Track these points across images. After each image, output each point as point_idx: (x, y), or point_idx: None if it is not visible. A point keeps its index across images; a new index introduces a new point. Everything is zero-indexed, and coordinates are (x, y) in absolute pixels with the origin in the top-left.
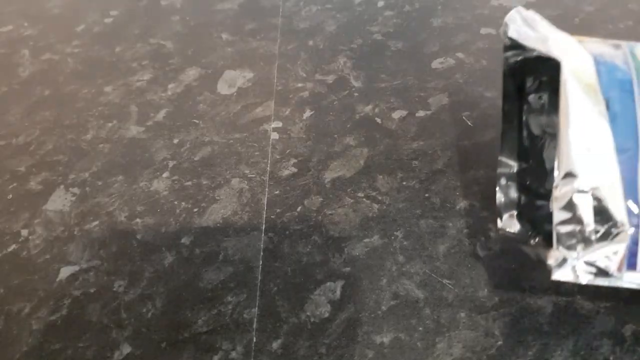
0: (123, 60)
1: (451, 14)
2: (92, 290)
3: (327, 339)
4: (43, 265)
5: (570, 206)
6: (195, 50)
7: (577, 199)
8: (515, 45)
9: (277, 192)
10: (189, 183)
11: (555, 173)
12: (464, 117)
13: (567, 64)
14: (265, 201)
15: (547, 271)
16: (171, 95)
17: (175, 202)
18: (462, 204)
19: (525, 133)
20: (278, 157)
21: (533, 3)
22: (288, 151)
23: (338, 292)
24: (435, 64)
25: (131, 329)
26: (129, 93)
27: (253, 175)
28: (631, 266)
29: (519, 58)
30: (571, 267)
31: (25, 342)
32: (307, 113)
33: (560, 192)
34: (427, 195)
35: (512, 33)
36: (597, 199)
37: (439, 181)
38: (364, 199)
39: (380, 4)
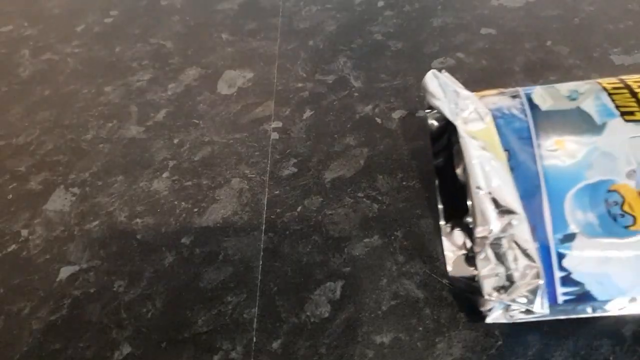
0: (123, 60)
1: (451, 14)
2: (92, 290)
3: (327, 339)
4: (43, 265)
5: (487, 255)
6: (195, 50)
7: (493, 247)
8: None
9: (277, 192)
10: (189, 183)
11: (471, 226)
12: None
13: (462, 127)
14: (265, 201)
15: None
16: (171, 95)
17: (175, 202)
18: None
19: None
20: (278, 157)
21: (533, 3)
22: (288, 151)
23: (338, 292)
24: (436, 64)
25: (131, 329)
26: (129, 93)
27: (253, 175)
28: (553, 302)
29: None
30: (501, 311)
31: (25, 342)
32: (307, 113)
33: (477, 242)
34: (427, 195)
35: (428, 98)
36: (511, 243)
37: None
38: (364, 199)
39: (380, 4)
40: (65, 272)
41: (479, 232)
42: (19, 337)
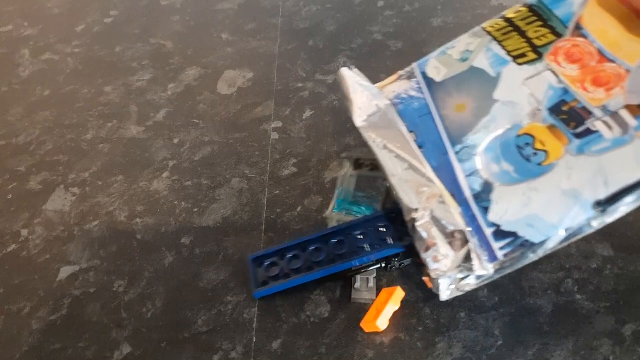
0: (123, 60)
1: (451, 14)
2: (92, 290)
3: (327, 339)
4: (43, 265)
5: (420, 235)
6: (195, 50)
7: (422, 227)
8: None
9: (277, 192)
10: (189, 183)
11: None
12: None
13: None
14: (265, 201)
15: (547, 272)
16: (171, 95)
17: (175, 202)
18: None
19: None
20: (278, 157)
21: None
22: (288, 151)
23: (338, 292)
24: None
25: (131, 329)
26: (129, 93)
27: (253, 175)
28: (493, 259)
29: None
30: (452, 285)
31: (25, 342)
32: (307, 113)
33: (410, 227)
34: None
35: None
36: (434, 217)
37: None
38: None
39: (380, 4)
40: (65, 272)
41: (406, 215)
42: (19, 337)
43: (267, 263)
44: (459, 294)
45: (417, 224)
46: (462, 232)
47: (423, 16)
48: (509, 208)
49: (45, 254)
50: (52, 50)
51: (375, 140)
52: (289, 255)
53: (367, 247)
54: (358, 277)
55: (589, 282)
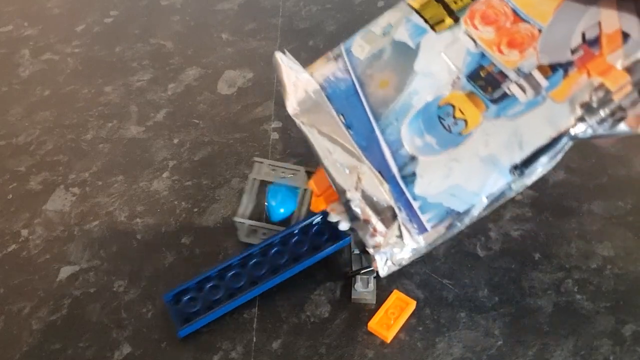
0: (123, 60)
1: None
2: (92, 290)
3: (327, 339)
4: (43, 265)
5: (355, 215)
6: (195, 50)
7: (355, 206)
8: None
9: None
10: (189, 183)
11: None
12: None
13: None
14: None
15: (547, 272)
16: (171, 95)
17: (175, 202)
18: None
19: None
20: (278, 157)
21: None
22: (288, 151)
23: (338, 292)
24: None
25: (131, 329)
26: (129, 93)
27: None
28: (422, 230)
29: None
30: (388, 261)
31: (25, 342)
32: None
33: (346, 209)
34: None
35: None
36: (365, 196)
37: None
38: None
39: (380, 4)
40: (65, 272)
41: (340, 197)
42: (19, 337)
43: (186, 298)
44: (396, 268)
45: (351, 204)
46: (391, 207)
47: None
48: (432, 180)
49: (45, 254)
50: (52, 50)
51: (306, 126)
52: (208, 286)
53: (285, 261)
54: (358, 277)
55: (589, 282)
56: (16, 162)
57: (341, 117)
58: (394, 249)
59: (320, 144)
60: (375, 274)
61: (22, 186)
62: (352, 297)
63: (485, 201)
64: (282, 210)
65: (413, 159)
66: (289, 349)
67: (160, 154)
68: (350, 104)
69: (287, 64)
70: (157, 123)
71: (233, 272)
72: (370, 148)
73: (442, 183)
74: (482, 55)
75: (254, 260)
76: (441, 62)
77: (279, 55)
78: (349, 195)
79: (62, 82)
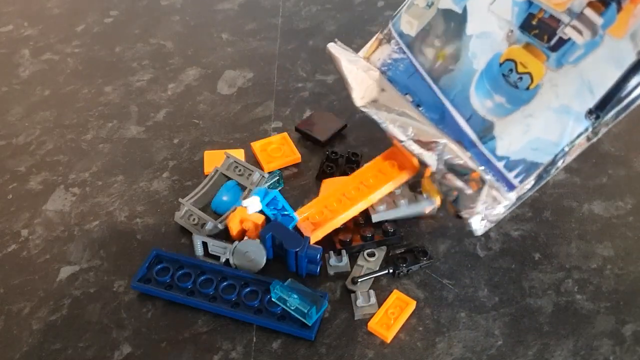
0: (123, 60)
1: None
2: (92, 290)
3: (327, 339)
4: (43, 265)
5: (446, 187)
6: (195, 50)
7: (443, 179)
8: None
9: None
10: (189, 183)
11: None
12: None
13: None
14: None
15: (547, 272)
16: (171, 95)
17: (175, 202)
18: None
19: None
20: None
21: None
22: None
23: (338, 292)
24: None
25: (131, 329)
26: (129, 93)
27: None
28: (512, 188)
29: None
30: (482, 221)
31: (25, 342)
32: (307, 113)
33: (435, 182)
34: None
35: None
36: (450, 167)
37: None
38: None
39: (380, 4)
40: (65, 272)
41: (427, 172)
42: (19, 337)
43: (162, 265)
44: (492, 225)
45: (438, 177)
46: (477, 173)
47: None
48: (512, 139)
49: (45, 254)
50: (52, 50)
51: (377, 114)
52: (183, 271)
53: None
54: (358, 292)
55: (589, 282)
56: (16, 162)
57: (408, 97)
58: (487, 210)
59: (395, 129)
60: (371, 284)
61: (22, 186)
62: (355, 315)
63: (567, 150)
64: (225, 198)
65: (487, 122)
66: (289, 349)
67: (160, 154)
68: (413, 83)
69: (344, 57)
70: (157, 123)
71: (208, 277)
72: (444, 120)
73: (522, 139)
74: (529, 3)
75: (227, 282)
76: (490, 19)
77: (332, 48)
78: (434, 170)
79: (62, 82)
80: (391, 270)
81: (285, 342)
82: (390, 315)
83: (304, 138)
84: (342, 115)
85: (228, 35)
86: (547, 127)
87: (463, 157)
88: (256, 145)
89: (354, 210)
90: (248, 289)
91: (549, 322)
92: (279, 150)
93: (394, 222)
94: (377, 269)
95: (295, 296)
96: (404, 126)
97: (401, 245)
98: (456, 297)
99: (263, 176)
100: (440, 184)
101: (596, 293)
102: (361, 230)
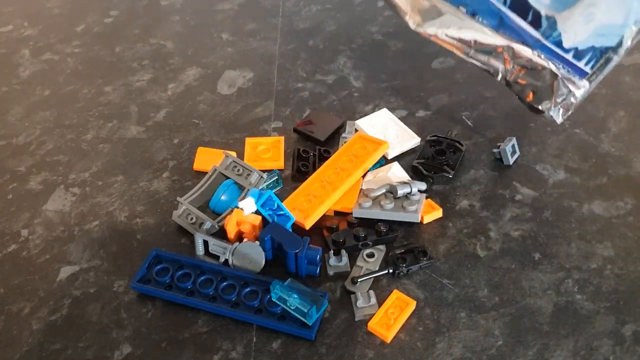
0: (123, 60)
1: None
2: (92, 290)
3: (327, 339)
4: (43, 265)
5: (519, 87)
6: (195, 50)
7: (517, 80)
8: None
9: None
10: (189, 183)
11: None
12: (464, 117)
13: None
14: None
15: (547, 272)
16: (171, 95)
17: (175, 202)
18: (462, 204)
19: None
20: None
21: None
22: (288, 151)
23: (338, 292)
24: (435, 64)
25: (131, 329)
26: (129, 93)
27: None
28: (584, 75)
29: None
30: (559, 111)
31: (25, 342)
32: (307, 113)
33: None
34: (427, 195)
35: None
36: (520, 68)
37: (440, 177)
38: None
39: (380, 4)
40: (65, 272)
41: (498, 79)
42: (19, 337)
43: (162, 265)
44: (570, 112)
45: (511, 79)
46: (548, 68)
47: None
48: (577, 30)
49: (45, 254)
50: (52, 50)
51: (435, 34)
52: (182, 272)
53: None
54: (358, 293)
55: (589, 282)
56: (16, 162)
57: (461, 8)
58: (564, 100)
59: (456, 43)
60: (370, 286)
61: (22, 186)
62: (356, 316)
63: (634, 29)
64: (223, 198)
65: (549, 18)
66: (289, 349)
67: (160, 154)
68: None
69: None
70: (157, 123)
71: (207, 277)
72: (503, 24)
73: (587, 29)
74: None
75: (226, 283)
76: None
77: None
78: (504, 74)
79: (62, 82)
80: (391, 271)
81: (285, 342)
82: (390, 315)
83: (304, 138)
84: (343, 116)
85: (228, 35)
86: (611, 12)
87: (531, 56)
88: (249, 142)
89: (341, 191)
90: (248, 289)
91: (549, 322)
92: (267, 151)
93: (388, 222)
94: (377, 269)
95: (295, 296)
96: (464, 37)
97: (401, 245)
98: (456, 297)
99: (262, 176)
100: (515, 84)
101: (596, 293)
102: (354, 230)
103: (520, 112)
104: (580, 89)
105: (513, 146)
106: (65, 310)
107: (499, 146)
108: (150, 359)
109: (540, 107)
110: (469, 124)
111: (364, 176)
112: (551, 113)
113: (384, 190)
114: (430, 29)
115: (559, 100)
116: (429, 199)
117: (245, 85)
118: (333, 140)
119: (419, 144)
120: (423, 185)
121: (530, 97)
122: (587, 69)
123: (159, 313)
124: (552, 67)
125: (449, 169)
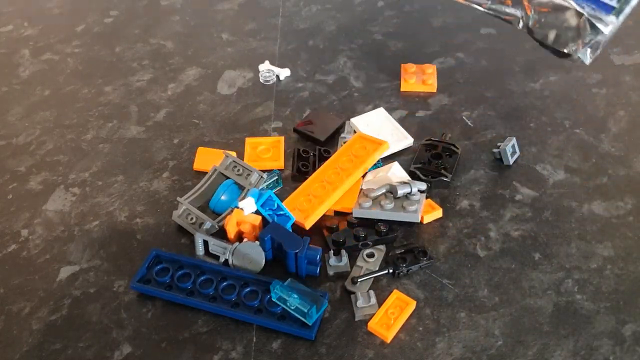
0: (123, 60)
1: (451, 14)
2: (92, 290)
3: (327, 339)
4: (43, 265)
5: (542, 30)
6: (195, 50)
7: (543, 27)
8: None
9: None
10: (189, 183)
11: None
12: (464, 117)
13: None
14: None
15: (546, 272)
16: (171, 95)
17: (175, 202)
18: (462, 204)
19: None
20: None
21: None
22: (288, 151)
23: (338, 292)
24: (436, 64)
25: (131, 329)
26: (129, 93)
27: None
28: (610, 10)
29: None
30: (589, 52)
31: (25, 342)
32: (307, 113)
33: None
34: (427, 195)
35: None
36: (546, 16)
37: (439, 181)
38: None
39: (380, 4)
40: (65, 272)
41: (519, 28)
42: (19, 337)
43: (162, 265)
44: (598, 52)
45: (532, 25)
46: (573, 8)
47: (423, 16)
48: None
49: (45, 254)
50: (52, 50)
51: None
52: (182, 272)
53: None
54: (358, 293)
55: (589, 282)
56: (16, 162)
57: None
58: (592, 39)
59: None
60: (371, 283)
61: (22, 186)
62: (356, 316)
63: None
64: (223, 198)
65: None
66: (289, 348)
67: (160, 154)
68: None
69: None
70: (157, 123)
71: (207, 277)
72: None
73: None
74: None
75: (227, 282)
76: None
77: None
78: (523, 18)
79: (62, 82)
80: (391, 271)
81: (285, 342)
82: (390, 315)
83: (304, 138)
84: (343, 116)
85: (228, 35)
86: None
87: (555, 0)
88: (249, 142)
89: (341, 191)
90: (248, 289)
91: (549, 322)
92: (267, 151)
93: (388, 222)
94: (377, 269)
95: (295, 296)
96: None
97: (401, 245)
98: (456, 297)
99: (262, 176)
100: (537, 30)
101: (596, 293)
102: (354, 230)
103: (520, 112)
104: (608, 25)
105: (513, 146)
106: (65, 310)
107: (499, 146)
108: (150, 359)
109: (565, 50)
110: (469, 124)
111: (364, 176)
112: (579, 55)
113: (384, 190)
114: None
115: (586, 40)
116: (429, 199)
117: (245, 85)
118: (333, 140)
119: (412, 144)
120: (423, 185)
121: (554, 40)
122: (613, 2)
123: (159, 313)
124: (576, 6)
125: (446, 172)
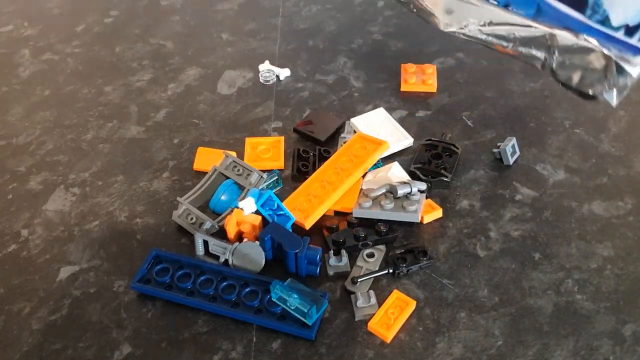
0: (123, 60)
1: None
2: (92, 290)
3: (327, 339)
4: (43, 265)
5: (566, 72)
6: (195, 50)
7: (566, 66)
8: None
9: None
10: (189, 183)
11: None
12: (464, 117)
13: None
14: None
15: (547, 272)
16: (171, 95)
17: (175, 202)
18: (462, 204)
19: None
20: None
21: None
22: (288, 151)
23: (338, 292)
24: (436, 64)
25: (131, 329)
26: (129, 93)
27: None
28: (637, 52)
29: None
30: (615, 94)
31: (25, 342)
32: (307, 113)
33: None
34: (427, 195)
35: None
36: (566, 52)
37: (439, 181)
38: None
39: (380, 4)
40: (65, 272)
41: (541, 69)
42: (19, 337)
43: (162, 265)
44: (625, 93)
45: (555, 67)
46: (599, 50)
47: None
48: (624, 6)
49: (45, 254)
50: (52, 50)
51: (467, 31)
52: (182, 272)
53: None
54: (358, 293)
55: (589, 282)
56: (16, 162)
57: (491, 1)
58: (618, 81)
59: (490, 39)
60: (370, 285)
61: (22, 186)
62: (356, 316)
63: None
64: (223, 198)
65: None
66: (289, 349)
67: (160, 154)
68: None
69: None
70: (157, 123)
71: (207, 277)
72: (541, 12)
73: (636, 2)
74: None
75: (226, 282)
76: None
77: None
78: (548, 62)
79: (62, 82)
80: (391, 271)
81: (285, 342)
82: (390, 315)
83: (304, 138)
84: (343, 116)
85: (228, 35)
86: None
87: (577, 41)
88: (249, 142)
89: (341, 191)
90: (248, 289)
91: (549, 322)
92: (267, 152)
93: (388, 222)
94: (377, 269)
95: (295, 296)
96: (501, 33)
97: (401, 245)
98: (456, 297)
99: (262, 176)
100: (561, 72)
101: (596, 293)
102: (354, 230)
103: (520, 112)
104: (636, 66)
105: (513, 146)
106: (65, 310)
107: (499, 146)
108: (150, 359)
109: (590, 92)
110: (469, 124)
111: (364, 176)
112: (605, 96)
113: (384, 190)
114: (460, 28)
115: (612, 82)
116: (429, 199)
117: (245, 85)
118: (333, 140)
119: (412, 144)
120: (423, 185)
121: (579, 82)
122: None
123: (159, 313)
124: (602, 48)
125: (446, 172)
